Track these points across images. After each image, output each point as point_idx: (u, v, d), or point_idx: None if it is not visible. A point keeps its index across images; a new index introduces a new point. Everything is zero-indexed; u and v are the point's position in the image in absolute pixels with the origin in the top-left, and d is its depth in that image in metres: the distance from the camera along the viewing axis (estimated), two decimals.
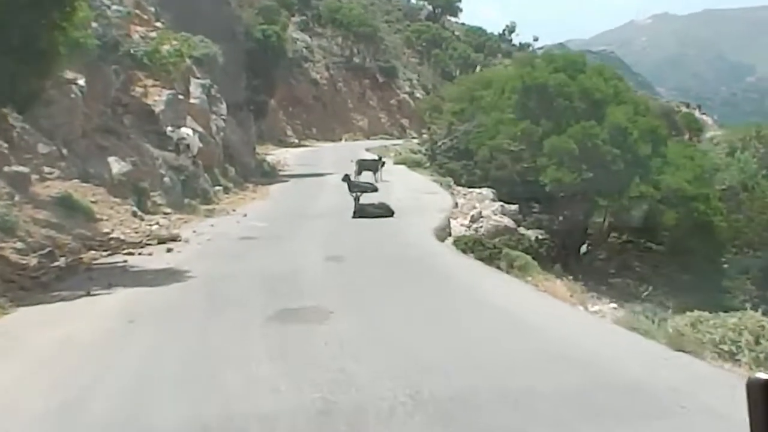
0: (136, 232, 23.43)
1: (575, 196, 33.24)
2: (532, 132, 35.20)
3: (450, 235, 24.21)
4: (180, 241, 22.16)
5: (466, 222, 27.14)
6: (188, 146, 31.21)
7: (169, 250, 20.51)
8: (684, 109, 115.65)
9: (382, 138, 75.97)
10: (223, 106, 37.82)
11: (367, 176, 37.12)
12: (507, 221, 28.34)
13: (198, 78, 36.18)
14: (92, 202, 24.18)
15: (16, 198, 21.22)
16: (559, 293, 16.42)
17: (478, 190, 38.42)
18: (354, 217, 26.11)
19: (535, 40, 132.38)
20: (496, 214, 28.46)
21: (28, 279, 16.76)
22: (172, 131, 30.96)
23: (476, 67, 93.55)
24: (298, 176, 42.95)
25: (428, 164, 48.68)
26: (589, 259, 34.95)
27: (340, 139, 74.80)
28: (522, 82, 37.00)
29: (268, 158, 47.84)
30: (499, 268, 18.61)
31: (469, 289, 15.01)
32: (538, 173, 34.87)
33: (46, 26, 17.51)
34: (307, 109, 74.93)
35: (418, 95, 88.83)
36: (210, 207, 29.69)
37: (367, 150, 56.33)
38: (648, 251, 34.64)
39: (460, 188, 39.74)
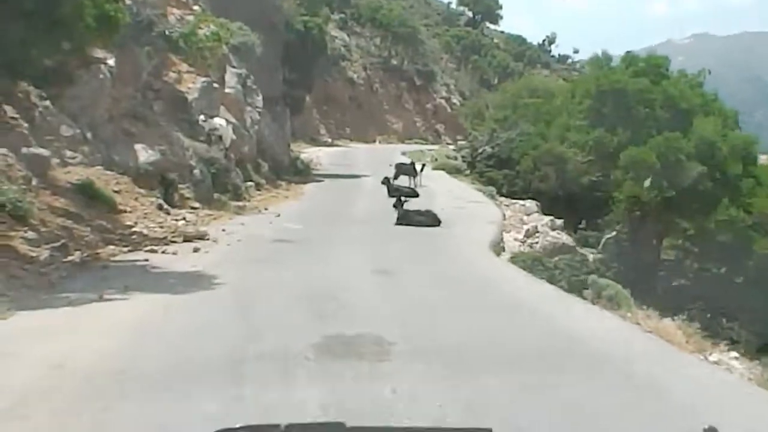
0: (161, 227, 21.46)
1: (645, 217, 30.38)
2: (605, 141, 32.07)
3: (504, 250, 21.89)
4: (208, 239, 20.08)
5: (520, 237, 24.89)
6: (221, 138, 29.12)
7: (195, 250, 18.38)
8: None
9: (416, 142, 74.31)
10: (259, 98, 35.71)
11: (404, 181, 34.99)
12: (565, 238, 26.09)
13: (234, 67, 34.11)
14: (115, 191, 22.30)
15: (33, 183, 19.23)
16: (670, 335, 13.59)
17: (521, 202, 36.60)
18: (397, 223, 23.89)
19: (575, 52, 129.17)
20: (553, 230, 26.05)
21: (36, 275, 14.70)
22: (205, 121, 28.87)
23: (516, 75, 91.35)
24: (333, 176, 40.84)
25: (468, 171, 46.95)
26: (662, 288, 31.21)
27: (374, 141, 73.09)
28: (597, 86, 33.65)
29: (302, 156, 45.67)
30: (581, 296, 16.15)
31: (557, 327, 12.33)
32: (606, 187, 32.50)
33: None
34: (342, 109, 73.06)
35: (455, 101, 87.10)
36: (240, 204, 27.62)
37: (403, 153, 53.99)
38: (730, 283, 30.89)
39: (502, 198, 37.69)
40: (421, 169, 37.21)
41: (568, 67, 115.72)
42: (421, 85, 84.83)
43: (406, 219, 24.17)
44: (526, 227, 25.89)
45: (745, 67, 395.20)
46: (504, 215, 29.61)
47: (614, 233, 36.68)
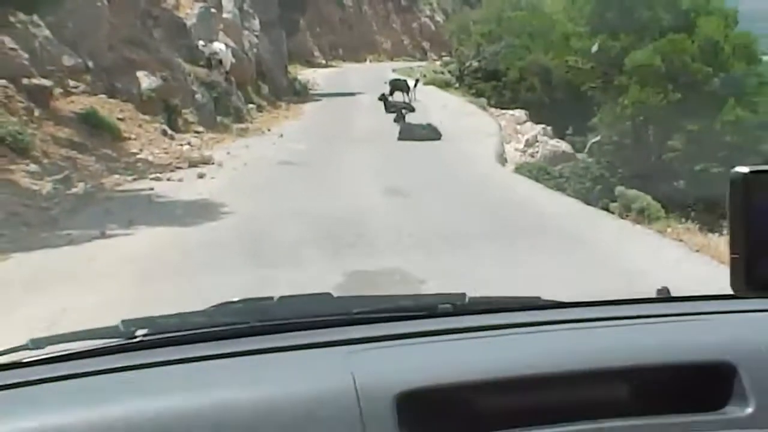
0: (166, 153, 19.70)
1: (649, 120, 28.03)
2: (609, 47, 29.00)
3: (506, 161, 20.01)
4: (213, 164, 18.23)
5: (521, 147, 22.96)
6: (221, 62, 26.95)
7: (201, 176, 16.54)
8: None
9: (405, 60, 71.19)
10: (256, 21, 33.50)
11: (399, 97, 32.56)
12: (564, 146, 24.20)
13: None
14: (119, 119, 20.45)
15: (36, 114, 17.43)
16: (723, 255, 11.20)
17: (511, 112, 34.26)
18: (400, 138, 22.01)
19: None
20: (552, 139, 24.11)
21: (37, 211, 12.86)
22: (204, 46, 26.74)
23: None
24: (330, 95, 38.30)
25: (457, 85, 44.69)
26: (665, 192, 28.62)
27: (365, 60, 69.83)
28: None
29: (299, 77, 43.40)
30: (607, 210, 14.26)
31: (608, 253, 10.33)
32: (610, 93, 30.13)
33: None
34: (334, 31, 70.06)
35: (438, 19, 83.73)
36: (243, 126, 25.64)
37: (394, 71, 51.44)
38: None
39: (492, 110, 35.55)
40: (415, 85, 35.19)
41: None
42: (406, 5, 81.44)
43: (408, 132, 22.30)
44: (525, 137, 23.92)
45: None
46: (500, 126, 27.60)
47: (599, 137, 34.91)
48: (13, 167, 14.57)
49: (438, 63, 62.49)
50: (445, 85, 43.92)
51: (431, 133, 22.36)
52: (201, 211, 12.28)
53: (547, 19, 43.51)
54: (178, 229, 10.99)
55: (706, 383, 1.71)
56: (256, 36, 32.93)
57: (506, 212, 12.81)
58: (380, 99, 28.96)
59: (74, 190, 14.72)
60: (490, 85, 42.41)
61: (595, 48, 28.10)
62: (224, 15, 29.96)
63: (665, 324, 1.94)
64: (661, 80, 26.18)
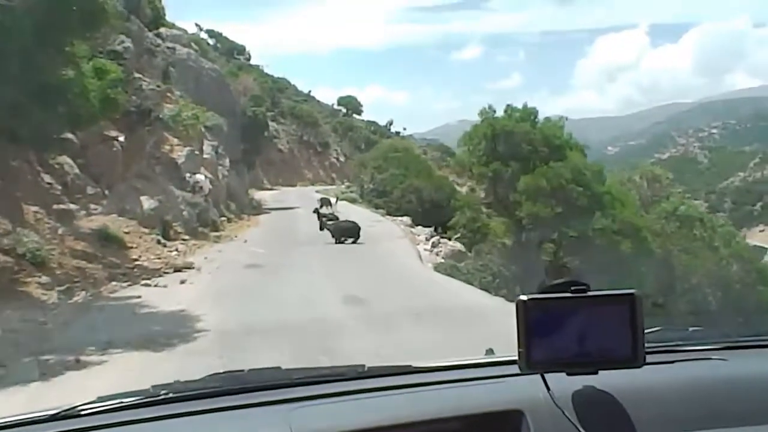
0: (159, 258, 15.52)
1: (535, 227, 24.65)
2: (502, 172, 26.42)
3: (421, 258, 16.28)
4: (193, 269, 13.85)
5: (428, 247, 19.21)
6: (201, 188, 22.77)
7: (182, 282, 12.36)
8: None
9: (320, 184, 67.84)
10: (227, 160, 29.37)
11: (325, 209, 28.59)
12: (459, 246, 20.47)
13: (209, 140, 27.48)
14: (125, 232, 16.54)
15: (60, 231, 13.64)
16: None
17: (400, 218, 30.67)
18: (337, 241, 18.23)
19: (404, 129, 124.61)
20: (451, 240, 20.53)
21: (33, 326, 8.77)
22: (190, 177, 22.48)
23: (376, 143, 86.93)
24: (276, 209, 34.22)
25: (360, 200, 41.28)
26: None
27: (296, 185, 65.77)
28: (491, 130, 27.55)
29: (255, 197, 39.04)
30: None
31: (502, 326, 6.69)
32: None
33: (54, 58, 9.39)
34: (276, 167, 65.89)
35: (341, 159, 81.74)
36: (218, 234, 21.44)
37: (317, 191, 48.33)
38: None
39: (388, 217, 32.16)
40: (336, 201, 32.05)
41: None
42: (321, 150, 78.70)
43: (339, 232, 18.61)
44: (432, 240, 20.19)
45: None
46: (402, 230, 24.11)
47: (458, 235, 32.08)
48: (29, 279, 10.65)
49: (344, 186, 58.54)
50: (352, 201, 40.08)
51: (355, 230, 18.96)
52: (177, 327, 8.14)
53: (416, 157, 42.48)
54: (149, 356, 6.73)
55: (504, 427, 1.54)
56: (227, 170, 28.83)
57: (463, 321, 8.89)
58: (314, 212, 25.18)
59: (75, 298, 10.76)
60: (383, 200, 39.91)
61: None
62: (204, 156, 25.94)
63: (485, 382, 1.70)
64: (546, 197, 22.89)
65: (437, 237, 20.68)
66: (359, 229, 19.12)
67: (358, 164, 56.39)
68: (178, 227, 19.49)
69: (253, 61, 71.81)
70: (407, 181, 39.57)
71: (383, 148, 50.17)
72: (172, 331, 7.82)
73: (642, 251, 22.70)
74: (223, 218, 24.44)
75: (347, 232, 18.80)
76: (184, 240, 18.70)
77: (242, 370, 1.80)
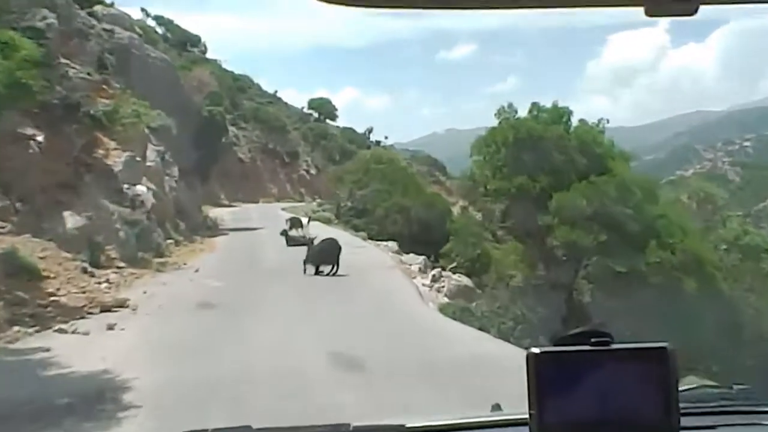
0: (83, 292, 13.83)
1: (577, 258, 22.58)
2: (528, 187, 23.79)
3: (422, 296, 14.75)
4: (127, 307, 12.16)
5: (427, 282, 17.66)
6: (143, 202, 21.09)
7: (110, 327, 10.60)
8: None
9: (288, 201, 66.37)
10: (176, 169, 27.93)
11: (294, 230, 27.92)
12: (466, 281, 18.91)
13: (154, 145, 25.97)
14: (40, 258, 14.69)
15: None
16: None
17: (384, 243, 29.42)
18: (308, 263, 17.30)
19: (386, 138, 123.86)
20: (455, 273, 18.99)
21: None
22: (128, 188, 20.77)
23: (352, 154, 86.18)
24: (235, 230, 32.55)
25: (336, 221, 39.89)
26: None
27: (259, 202, 64.08)
28: (514, 134, 24.92)
29: (210, 215, 37.17)
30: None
31: None
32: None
33: None
34: (235, 180, 64.14)
35: (312, 172, 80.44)
36: (162, 260, 19.64)
37: (284, 209, 47.33)
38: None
39: (370, 241, 30.80)
40: (308, 222, 30.58)
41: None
42: (289, 162, 77.24)
43: (316, 257, 17.48)
44: (431, 273, 18.51)
45: None
46: (390, 257, 22.63)
47: (454, 264, 30.76)
48: None
49: (315, 204, 57.17)
50: (327, 221, 38.68)
51: (334, 247, 17.72)
52: (95, 401, 6.47)
53: (402, 170, 42.01)
54: None
55: None
56: (176, 181, 27.34)
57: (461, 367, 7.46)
58: (282, 234, 24.63)
59: None
60: (362, 221, 38.86)
61: None
62: (148, 163, 24.30)
63: None
64: (586, 221, 20.89)
65: (438, 269, 19.13)
66: (339, 250, 17.72)
67: (333, 178, 55.11)
68: (112, 252, 17.82)
69: (209, 56, 70.23)
70: (392, 199, 38.74)
71: (363, 159, 48.93)
72: (86, 407, 6.11)
73: (707, 291, 20.56)
74: (169, 241, 22.79)
75: (325, 256, 17.32)
76: (118, 268, 17.03)
77: (206, 430, 1.81)
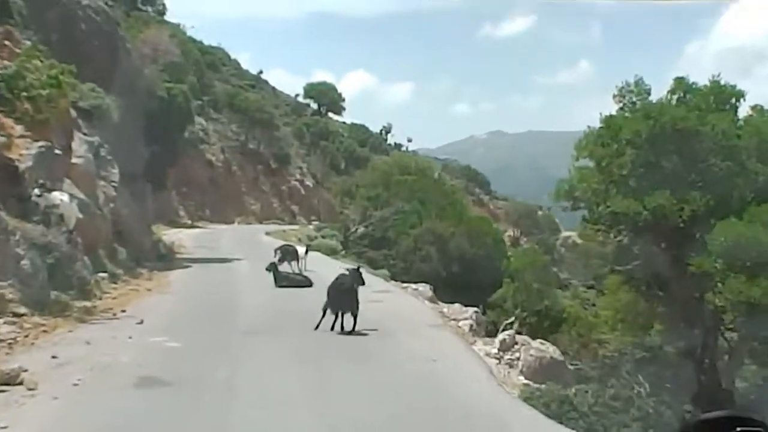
0: None
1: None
2: (670, 211, 20.64)
3: (493, 375, 12.66)
4: (21, 384, 10.09)
5: (493, 350, 15.47)
6: (62, 217, 19.02)
7: None
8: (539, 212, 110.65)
9: (274, 222, 66.06)
10: (116, 171, 26.06)
11: (287, 265, 26.68)
12: (552, 350, 16.70)
13: (85, 134, 24.34)
14: None
15: None
16: None
17: (414, 286, 27.45)
18: (330, 307, 15.54)
19: (409, 141, 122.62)
20: (533, 341, 16.78)
21: None
22: (40, 196, 18.79)
23: (362, 160, 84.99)
24: (201, 261, 30.86)
25: (343, 252, 38.34)
26: None
27: (233, 222, 63.63)
28: (650, 127, 21.74)
29: (164, 238, 35.67)
30: None
31: None
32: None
33: None
34: (201, 190, 63.72)
35: (308, 183, 79.71)
36: (89, 305, 17.50)
37: (267, 234, 47.32)
38: None
39: (393, 282, 29.23)
40: (305, 253, 28.43)
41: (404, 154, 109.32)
42: (276, 168, 76.46)
43: (337, 299, 15.58)
44: (502, 338, 16.33)
45: (530, 159, 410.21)
46: (433, 310, 20.79)
47: (512, 320, 28.82)
48: None
49: (311, 227, 57.72)
50: (331, 252, 37.22)
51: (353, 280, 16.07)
52: None
53: (438, 184, 40.60)
54: None
55: None
56: (115, 188, 25.47)
57: None
58: (268, 269, 23.11)
59: None
60: (381, 253, 37.68)
61: None
62: (74, 160, 22.45)
63: None
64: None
65: (510, 332, 16.88)
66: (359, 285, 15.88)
67: (338, 192, 53.50)
68: (9, 290, 15.75)
69: (170, 19, 68.81)
70: (424, 224, 37.51)
71: (382, 167, 47.42)
72: None
73: None
74: (101, 275, 20.93)
75: (348, 298, 15.43)
76: (16, 316, 14.95)
77: None
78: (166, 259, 30.34)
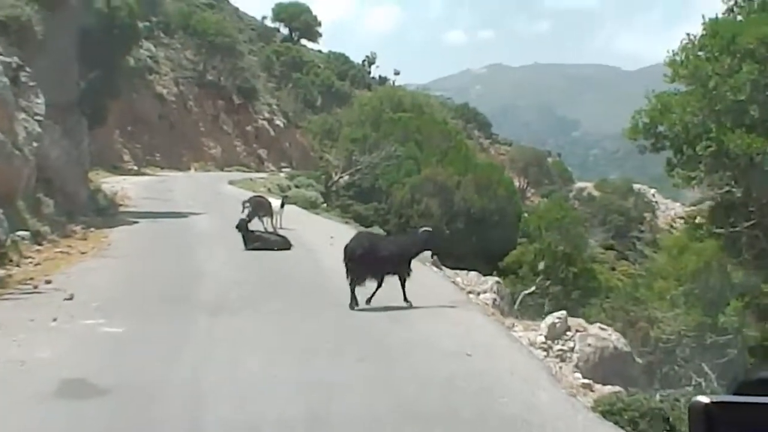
0: None
1: None
2: None
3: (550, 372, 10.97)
4: None
5: (539, 337, 13.75)
6: None
7: None
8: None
9: (238, 169, 65.06)
10: (41, 102, 24.15)
11: (260, 222, 25.11)
12: (615, 339, 14.97)
13: None
14: None
15: None
16: None
17: None
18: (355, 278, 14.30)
19: (397, 74, 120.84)
20: (590, 326, 15.09)
21: None
22: None
23: (342, 96, 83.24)
24: (151, 216, 29.16)
25: (324, 205, 36.80)
26: None
27: (190, 168, 62.65)
28: None
29: (104, 188, 34.49)
30: None
31: None
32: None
33: None
34: (150, 130, 61.95)
35: (278, 122, 77.62)
36: (1, 273, 15.92)
37: (231, 183, 46.40)
38: None
39: None
40: (281, 206, 26.67)
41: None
42: (241, 104, 74.53)
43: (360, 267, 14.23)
44: (547, 321, 14.57)
45: (538, 97, 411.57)
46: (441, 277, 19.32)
47: (533, 288, 27.70)
48: None
49: (283, 175, 57.19)
50: (311, 205, 35.62)
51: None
52: None
53: (439, 124, 39.21)
54: None
55: None
56: (40, 123, 23.70)
57: None
58: (238, 228, 21.63)
59: None
60: (371, 206, 36.29)
61: None
62: None
63: None
64: None
65: (561, 314, 15.04)
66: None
67: (317, 133, 51.76)
68: None
69: None
70: (423, 172, 36.37)
71: (370, 104, 45.89)
72: None
73: None
74: (21, 233, 19.54)
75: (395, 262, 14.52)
76: None
77: None
78: (107, 213, 28.92)
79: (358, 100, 50.59)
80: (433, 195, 35.08)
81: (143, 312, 13.20)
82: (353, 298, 13.90)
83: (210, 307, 13.62)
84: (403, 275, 14.23)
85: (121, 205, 32.66)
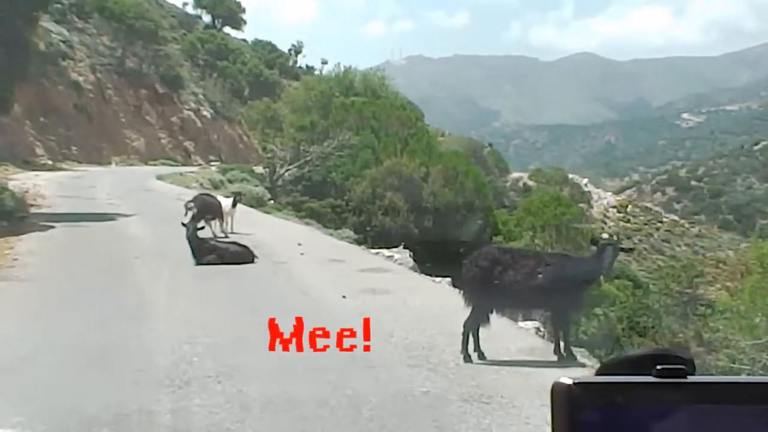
0: None
1: None
2: None
3: None
4: None
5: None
6: None
7: None
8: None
9: (164, 163, 61.09)
10: None
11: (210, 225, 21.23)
12: None
13: None
14: None
15: None
16: None
17: (386, 252, 22.69)
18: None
19: (324, 63, 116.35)
20: None
21: None
22: None
23: (272, 85, 79.15)
24: (69, 219, 24.29)
25: (271, 201, 32.77)
26: None
27: (110, 163, 58.66)
28: None
29: (11, 187, 28.89)
30: None
31: None
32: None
33: None
34: (66, 121, 57.46)
35: (205, 113, 73.43)
36: None
37: (159, 178, 42.37)
38: None
39: (356, 246, 24.30)
40: (233, 205, 22.57)
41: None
42: (165, 93, 70.26)
43: None
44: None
45: (457, 89, 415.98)
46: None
47: None
48: None
49: (213, 168, 53.72)
50: (257, 203, 31.71)
51: None
52: None
53: (397, 109, 35.45)
54: None
55: None
56: None
57: None
58: (188, 235, 17.13)
59: None
60: (327, 203, 32.49)
61: None
62: None
63: None
64: None
65: None
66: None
67: (258, 121, 47.43)
68: None
69: None
70: (385, 163, 34.29)
71: (317, 86, 42.61)
72: None
73: None
74: None
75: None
76: None
77: None
78: (13, 216, 23.64)
79: (306, 84, 46.75)
80: (398, 189, 32.02)
81: (64, 386, 8.22)
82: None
83: (170, 378, 8.66)
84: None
85: (33, 205, 28.03)
